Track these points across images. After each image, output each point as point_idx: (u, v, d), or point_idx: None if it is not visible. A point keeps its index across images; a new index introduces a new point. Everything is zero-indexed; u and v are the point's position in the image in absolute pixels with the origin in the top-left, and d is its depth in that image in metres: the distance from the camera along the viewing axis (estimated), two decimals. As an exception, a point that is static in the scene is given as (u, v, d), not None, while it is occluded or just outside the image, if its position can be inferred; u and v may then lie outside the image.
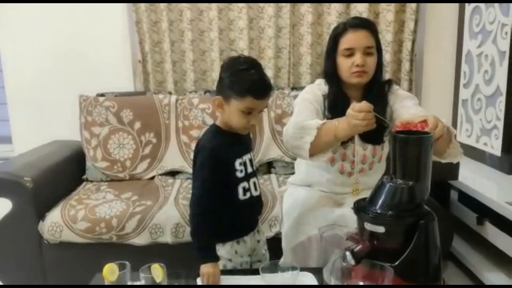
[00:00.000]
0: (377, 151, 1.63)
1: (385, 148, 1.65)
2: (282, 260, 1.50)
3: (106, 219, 1.82)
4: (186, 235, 1.80)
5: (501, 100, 2.10)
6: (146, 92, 2.52)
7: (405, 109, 1.55)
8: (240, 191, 1.35)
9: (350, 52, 1.53)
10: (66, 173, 2.20)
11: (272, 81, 2.00)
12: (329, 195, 1.66)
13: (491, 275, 1.85)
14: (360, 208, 1.09)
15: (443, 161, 1.44)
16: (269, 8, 2.46)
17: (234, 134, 1.34)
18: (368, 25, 1.56)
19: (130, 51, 2.57)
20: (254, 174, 1.41)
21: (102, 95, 2.40)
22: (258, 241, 1.45)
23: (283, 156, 2.30)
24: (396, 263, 1.03)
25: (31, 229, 1.85)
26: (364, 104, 1.28)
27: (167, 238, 1.81)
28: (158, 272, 1.14)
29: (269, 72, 2.50)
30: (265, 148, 2.30)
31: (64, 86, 2.57)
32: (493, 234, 1.82)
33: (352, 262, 1.02)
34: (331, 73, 1.60)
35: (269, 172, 2.36)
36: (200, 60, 2.57)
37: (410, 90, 2.54)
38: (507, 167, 2.09)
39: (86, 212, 1.85)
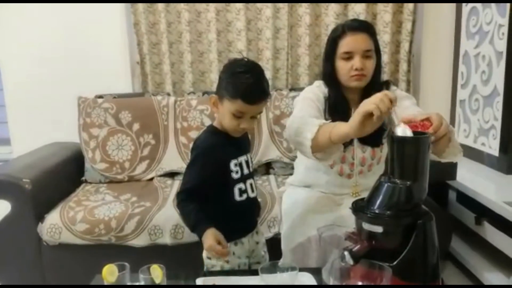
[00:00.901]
0: (376, 153, 1.63)
1: (384, 150, 1.65)
2: (281, 260, 1.50)
3: (105, 221, 1.82)
4: (185, 236, 1.80)
5: (499, 100, 2.10)
6: (145, 93, 2.52)
7: (402, 109, 1.55)
8: (236, 192, 1.36)
9: (349, 56, 1.53)
10: (65, 174, 2.20)
11: (270, 82, 2.01)
12: (328, 196, 1.66)
13: (490, 274, 1.86)
14: (358, 208, 1.10)
15: (443, 160, 1.43)
16: (267, 9, 2.47)
17: (230, 135, 1.35)
18: (366, 28, 1.56)
19: (128, 53, 2.57)
20: (250, 175, 1.41)
21: (100, 96, 2.40)
22: (257, 243, 1.45)
23: (282, 156, 2.30)
24: (395, 263, 1.03)
25: (30, 231, 1.85)
26: (393, 94, 1.20)
27: (166, 239, 1.81)
28: (157, 273, 1.14)
29: (267, 73, 2.49)
30: (264, 149, 2.31)
31: (62, 88, 2.56)
32: (491, 234, 1.83)
33: (351, 262, 1.02)
34: (329, 76, 1.60)
35: (268, 173, 2.36)
36: (198, 61, 2.57)
37: (408, 90, 2.54)
38: (505, 167, 2.10)
39: (85, 214, 1.85)
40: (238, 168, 1.36)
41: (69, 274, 1.87)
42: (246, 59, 1.34)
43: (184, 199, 1.33)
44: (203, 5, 2.49)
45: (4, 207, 1.85)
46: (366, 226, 1.06)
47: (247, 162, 1.40)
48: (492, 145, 2.18)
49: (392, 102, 1.16)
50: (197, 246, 1.60)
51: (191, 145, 2.25)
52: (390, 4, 2.45)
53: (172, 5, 2.48)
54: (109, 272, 1.14)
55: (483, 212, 1.86)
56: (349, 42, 1.53)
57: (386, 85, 1.65)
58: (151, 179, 2.29)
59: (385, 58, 2.47)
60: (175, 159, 2.32)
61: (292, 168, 1.90)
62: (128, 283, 1.18)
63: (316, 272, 1.25)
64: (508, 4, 2.01)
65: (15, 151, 2.61)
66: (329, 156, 1.46)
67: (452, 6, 2.53)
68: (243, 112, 1.27)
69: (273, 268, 1.20)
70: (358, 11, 2.46)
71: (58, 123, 2.55)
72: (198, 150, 1.35)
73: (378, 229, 1.04)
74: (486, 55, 2.21)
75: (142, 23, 2.49)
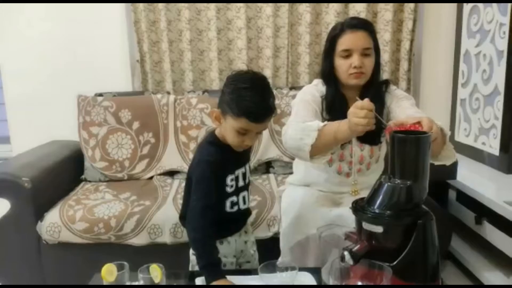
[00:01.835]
0: (375, 152, 1.63)
1: (382, 148, 1.66)
2: (280, 260, 1.50)
3: (105, 220, 1.81)
4: (184, 235, 1.79)
5: (499, 100, 2.10)
6: (145, 92, 2.52)
7: (401, 109, 1.55)
8: (228, 204, 1.34)
9: (348, 53, 1.53)
10: (64, 173, 2.20)
11: (270, 81, 1.99)
12: (328, 195, 1.66)
13: (490, 274, 1.86)
14: (358, 208, 1.09)
15: (436, 163, 1.43)
16: (267, 7, 2.46)
17: (231, 147, 1.31)
18: (366, 26, 1.56)
19: (128, 51, 2.56)
20: (245, 187, 1.39)
21: (100, 95, 2.40)
22: (246, 242, 1.44)
23: (282, 156, 2.30)
24: (395, 262, 1.03)
25: (29, 230, 1.85)
26: (367, 102, 1.26)
27: (166, 238, 1.81)
28: (156, 273, 1.14)
29: (268, 72, 2.50)
30: (264, 148, 2.30)
31: (62, 86, 2.56)
32: (491, 233, 1.83)
33: (351, 262, 1.02)
34: (328, 74, 1.60)
35: (267, 172, 2.36)
36: (199, 60, 2.57)
37: (408, 89, 2.54)
38: (505, 167, 2.10)
39: (85, 213, 1.85)
40: (233, 183, 1.33)
41: (68, 272, 1.87)
42: (251, 72, 1.27)
43: (202, 226, 1.24)
44: (203, 3, 2.48)
45: (3, 206, 1.86)
46: (366, 225, 1.06)
47: (244, 174, 1.37)
48: (492, 145, 2.17)
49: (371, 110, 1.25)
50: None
51: (191, 143, 2.30)
52: (391, 3, 2.44)
53: (172, 3, 2.47)
54: (108, 272, 1.14)
55: (483, 212, 1.85)
56: (348, 40, 1.53)
57: (385, 84, 1.65)
58: (151, 177, 2.29)
59: (385, 56, 2.47)
60: (175, 157, 2.32)
61: (292, 167, 1.90)
62: (127, 283, 1.18)
63: (315, 271, 1.25)
64: (509, 3, 2.01)
65: (14, 149, 2.61)
66: (326, 157, 1.48)
67: (453, 5, 2.52)
68: (247, 130, 1.23)
69: (272, 268, 1.20)
70: (358, 9, 2.46)
71: (57, 122, 2.55)
72: (206, 165, 1.28)
73: (378, 229, 1.04)
74: (487, 54, 2.20)
75: (142, 21, 2.48)
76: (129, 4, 2.47)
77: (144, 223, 1.81)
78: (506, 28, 2.03)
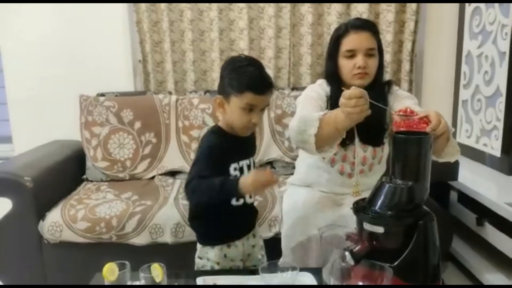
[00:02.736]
0: (377, 153, 1.63)
1: (385, 149, 1.66)
2: (281, 260, 1.50)
3: (106, 219, 1.82)
4: (186, 235, 1.80)
5: (501, 101, 2.10)
6: (147, 92, 2.52)
7: None
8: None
9: (351, 54, 1.53)
10: (66, 173, 2.20)
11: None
12: (329, 196, 1.66)
13: (491, 276, 1.86)
14: (360, 208, 1.10)
15: (441, 160, 1.43)
16: (270, 8, 2.46)
17: (235, 137, 1.31)
18: (369, 27, 1.56)
19: (130, 51, 2.57)
20: None
21: (102, 95, 2.40)
22: (253, 246, 1.42)
23: (283, 156, 2.30)
24: (396, 263, 1.03)
25: (31, 229, 1.85)
26: (354, 90, 1.23)
27: (167, 238, 1.81)
28: (158, 272, 1.14)
29: (270, 73, 2.48)
30: (265, 148, 2.30)
31: (64, 86, 2.57)
32: (492, 235, 1.82)
33: (352, 262, 1.02)
34: (332, 74, 1.61)
35: (269, 172, 2.36)
36: (201, 60, 2.57)
37: (410, 90, 2.54)
38: (506, 168, 2.09)
39: (86, 212, 1.85)
40: (237, 173, 1.31)
41: (69, 272, 1.87)
42: (243, 55, 1.33)
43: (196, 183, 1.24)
44: (206, 3, 2.48)
45: (5, 205, 1.86)
46: (367, 226, 1.06)
47: (249, 166, 1.35)
48: (494, 146, 2.17)
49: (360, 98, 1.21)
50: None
51: (192, 143, 2.31)
52: (393, 4, 2.44)
53: (175, 3, 2.48)
54: (110, 271, 1.14)
55: (484, 213, 1.85)
56: (352, 41, 1.53)
57: (388, 85, 1.65)
58: (152, 177, 2.29)
59: (387, 57, 2.47)
60: (176, 157, 2.32)
61: (293, 167, 1.90)
62: (129, 282, 1.18)
63: (316, 272, 1.25)
64: (511, 4, 2.01)
65: (16, 149, 2.61)
66: (333, 149, 1.46)
67: (455, 6, 2.52)
68: (253, 105, 1.24)
69: (273, 268, 1.20)
70: (361, 10, 2.46)
71: (59, 121, 2.56)
72: (203, 149, 1.29)
73: (379, 229, 1.04)
74: (489, 55, 2.20)
75: (144, 22, 2.49)
76: (131, 4, 2.48)
77: (146, 223, 1.82)
78: (508, 30, 2.03)
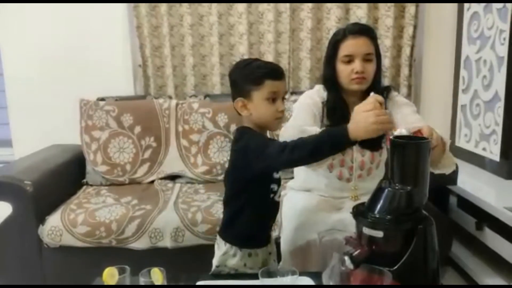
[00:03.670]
0: (375, 158, 1.64)
1: (383, 154, 1.66)
2: (281, 264, 1.50)
3: (106, 223, 1.82)
4: (185, 240, 1.80)
5: (500, 106, 2.11)
6: (147, 96, 2.53)
7: (402, 116, 1.56)
8: (270, 190, 1.33)
9: (349, 59, 1.54)
10: (66, 177, 2.21)
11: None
12: (328, 200, 1.66)
13: (490, 280, 1.85)
14: (359, 213, 1.10)
15: (436, 171, 1.43)
16: (269, 13, 2.48)
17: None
18: (367, 32, 1.57)
19: (130, 56, 2.58)
20: (280, 181, 1.37)
21: (102, 99, 2.41)
22: (270, 253, 1.43)
23: (283, 160, 2.30)
24: (395, 267, 1.03)
25: (31, 233, 1.85)
26: (377, 96, 1.19)
27: (167, 242, 1.81)
28: (157, 276, 1.14)
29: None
30: (265, 153, 2.30)
31: (64, 90, 2.57)
32: (492, 239, 1.83)
33: (351, 266, 1.03)
34: (330, 79, 1.61)
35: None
36: (200, 64, 2.58)
37: (409, 95, 2.55)
38: (505, 172, 2.10)
39: (86, 216, 1.85)
40: (276, 174, 1.34)
41: (69, 276, 1.87)
42: (244, 58, 1.39)
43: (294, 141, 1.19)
44: (206, 8, 2.50)
45: (5, 209, 1.86)
46: (367, 230, 1.06)
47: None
48: (493, 150, 2.18)
49: (381, 104, 1.17)
50: (198, 250, 1.60)
51: (192, 148, 2.31)
52: (392, 9, 2.46)
53: (175, 8, 2.49)
54: (110, 275, 1.15)
55: (484, 217, 1.86)
56: (350, 45, 1.54)
57: (386, 90, 1.66)
58: (152, 182, 2.30)
59: (386, 62, 2.48)
60: (176, 162, 2.33)
61: (292, 172, 1.90)
62: (128, 286, 1.18)
63: (316, 276, 1.25)
64: (509, 9, 2.02)
65: (16, 153, 2.61)
66: (326, 161, 1.47)
67: (453, 11, 2.53)
68: (275, 92, 1.26)
69: (273, 272, 1.20)
70: (360, 15, 2.47)
71: (59, 125, 2.56)
72: (253, 135, 1.28)
73: (379, 233, 1.04)
74: (487, 60, 2.21)
75: (144, 26, 2.50)
76: (132, 8, 2.49)
77: (145, 227, 1.82)
78: (506, 35, 2.04)
